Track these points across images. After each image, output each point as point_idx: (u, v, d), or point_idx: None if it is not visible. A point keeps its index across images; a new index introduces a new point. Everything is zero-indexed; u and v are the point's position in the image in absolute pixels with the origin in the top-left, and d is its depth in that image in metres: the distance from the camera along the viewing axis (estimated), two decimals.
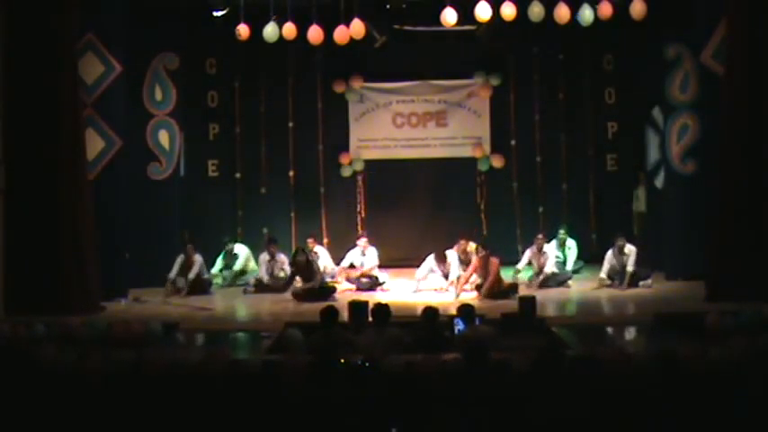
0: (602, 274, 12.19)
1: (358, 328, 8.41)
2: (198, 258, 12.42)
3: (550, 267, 12.35)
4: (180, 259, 12.32)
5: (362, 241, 12.98)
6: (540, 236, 12.79)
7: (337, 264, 13.18)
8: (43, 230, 10.68)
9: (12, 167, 10.68)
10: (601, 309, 11.08)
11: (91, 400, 5.80)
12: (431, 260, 12.42)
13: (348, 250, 13.10)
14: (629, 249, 12.15)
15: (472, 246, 12.36)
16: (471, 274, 11.87)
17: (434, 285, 12.29)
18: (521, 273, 12.58)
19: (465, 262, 12.13)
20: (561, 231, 13.29)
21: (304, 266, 12.06)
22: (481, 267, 11.77)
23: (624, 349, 7.54)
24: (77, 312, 10.37)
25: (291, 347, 7.94)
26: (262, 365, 6.32)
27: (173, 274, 12.18)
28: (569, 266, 13.02)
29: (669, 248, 12.51)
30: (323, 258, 13.04)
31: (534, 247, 12.58)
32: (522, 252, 12.99)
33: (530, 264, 12.61)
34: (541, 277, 12.25)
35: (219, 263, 13.29)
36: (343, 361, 6.29)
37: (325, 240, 14.46)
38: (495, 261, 11.77)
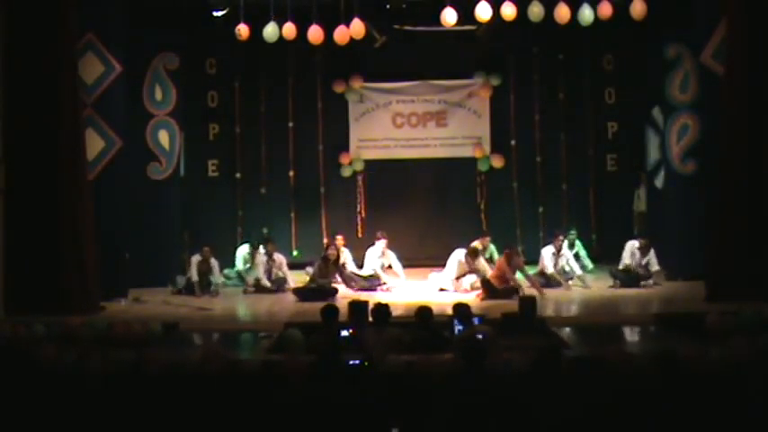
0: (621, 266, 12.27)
1: (358, 328, 8.40)
2: (214, 262, 12.47)
3: (570, 267, 12.41)
4: (195, 260, 12.36)
5: (382, 243, 12.73)
6: (562, 237, 12.64)
7: (359, 267, 13.01)
8: (43, 230, 10.68)
9: (12, 167, 10.67)
10: (601, 309, 11.07)
11: (91, 400, 5.80)
12: (460, 253, 12.36)
13: (366, 249, 12.91)
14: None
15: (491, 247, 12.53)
16: (498, 274, 11.82)
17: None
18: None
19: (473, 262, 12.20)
20: (572, 232, 13.22)
21: (334, 261, 12.12)
22: (507, 265, 11.75)
23: (624, 349, 7.54)
24: (77, 312, 10.37)
25: (291, 347, 7.93)
26: (262, 365, 6.32)
27: (192, 276, 12.25)
28: (577, 270, 12.63)
29: (669, 248, 12.51)
30: (347, 260, 12.95)
31: (552, 248, 12.48)
32: (524, 253, 12.95)
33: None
34: (568, 281, 12.31)
35: (240, 262, 13.19)
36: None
37: (325, 240, 14.44)
38: (518, 259, 11.89)
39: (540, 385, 5.73)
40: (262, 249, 12.94)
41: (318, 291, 11.75)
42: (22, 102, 10.68)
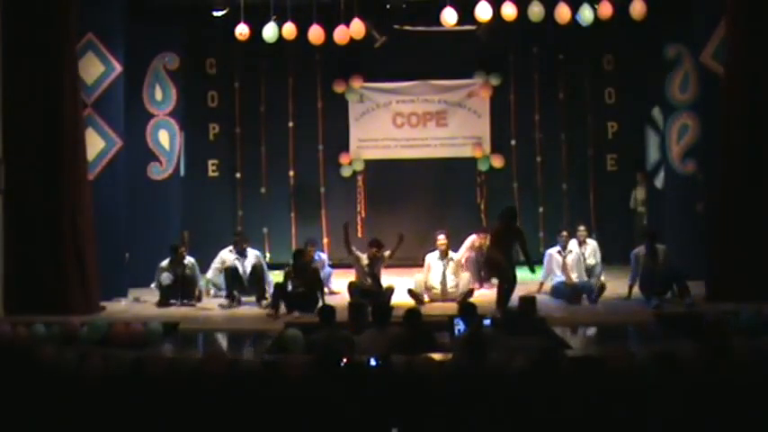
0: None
1: (358, 329, 8.39)
2: (189, 260, 11.55)
3: (576, 271, 11.47)
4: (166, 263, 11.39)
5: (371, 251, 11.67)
6: (565, 233, 11.85)
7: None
8: (43, 230, 10.67)
9: (12, 167, 10.67)
10: (601, 308, 11.05)
11: (91, 400, 5.80)
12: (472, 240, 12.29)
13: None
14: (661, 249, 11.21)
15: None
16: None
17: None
18: (544, 284, 11.72)
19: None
20: (581, 228, 12.15)
21: (304, 270, 10.99)
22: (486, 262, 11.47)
23: (624, 349, 7.54)
24: (77, 312, 10.36)
25: (291, 347, 7.95)
26: (262, 365, 6.33)
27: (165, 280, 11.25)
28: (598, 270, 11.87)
29: (669, 248, 12.47)
30: (323, 264, 12.28)
31: (558, 247, 11.72)
32: (524, 255, 12.82)
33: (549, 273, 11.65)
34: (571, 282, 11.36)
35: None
36: (348, 360, 6.29)
37: (325, 240, 14.47)
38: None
39: (539, 385, 5.73)
40: (229, 253, 11.87)
41: (299, 297, 10.81)
42: (21, 102, 10.68)
